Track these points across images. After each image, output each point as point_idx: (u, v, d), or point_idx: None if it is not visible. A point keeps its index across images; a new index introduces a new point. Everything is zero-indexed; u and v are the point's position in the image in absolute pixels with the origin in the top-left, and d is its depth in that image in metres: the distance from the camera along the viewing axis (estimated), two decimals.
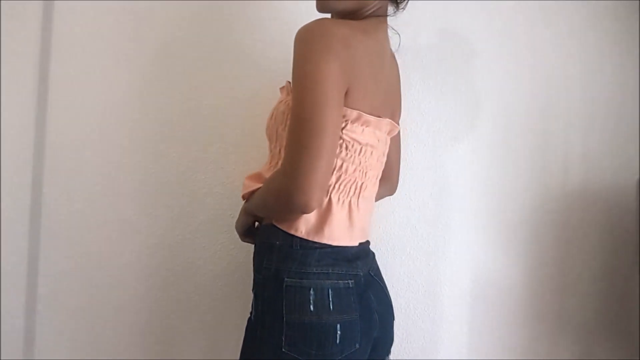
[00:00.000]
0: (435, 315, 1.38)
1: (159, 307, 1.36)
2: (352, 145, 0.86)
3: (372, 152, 0.91)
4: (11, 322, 1.35)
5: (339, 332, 0.81)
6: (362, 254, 0.94)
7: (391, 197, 1.34)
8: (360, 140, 0.86)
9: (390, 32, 1.04)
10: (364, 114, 0.85)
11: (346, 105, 0.82)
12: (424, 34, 1.39)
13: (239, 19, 1.37)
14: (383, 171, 1.05)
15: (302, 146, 0.74)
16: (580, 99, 1.43)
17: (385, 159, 1.00)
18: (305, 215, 0.84)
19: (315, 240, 0.85)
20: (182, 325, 1.36)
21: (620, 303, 1.42)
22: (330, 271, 0.84)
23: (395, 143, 1.12)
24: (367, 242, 1.00)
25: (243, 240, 1.06)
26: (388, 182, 1.14)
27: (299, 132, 0.75)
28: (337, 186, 0.86)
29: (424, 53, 1.39)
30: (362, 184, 0.91)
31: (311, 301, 0.81)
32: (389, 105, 0.97)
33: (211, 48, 1.36)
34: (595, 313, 1.42)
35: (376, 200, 1.15)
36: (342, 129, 0.83)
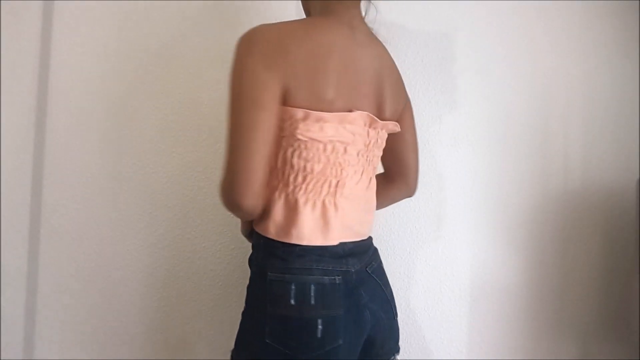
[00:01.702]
0: (435, 315, 1.38)
1: (159, 307, 1.36)
2: (312, 144, 0.86)
3: (345, 149, 0.88)
4: (11, 322, 1.35)
5: (320, 326, 0.82)
6: (358, 251, 0.94)
7: None
8: (320, 138, 0.85)
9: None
10: (313, 111, 0.83)
11: (291, 105, 0.83)
12: (424, 34, 1.39)
13: (240, 19, 1.37)
14: (394, 171, 1.07)
15: (231, 150, 0.79)
16: (580, 99, 1.43)
17: (375, 153, 0.98)
18: (273, 217, 0.87)
19: (284, 241, 0.86)
20: (182, 325, 1.36)
21: (620, 303, 1.42)
22: (314, 267, 0.86)
23: (402, 140, 1.07)
24: (368, 239, 0.99)
25: (250, 242, 1.07)
26: (402, 182, 1.11)
27: (229, 135, 0.80)
28: (303, 187, 0.87)
29: (424, 53, 1.39)
30: (338, 182, 0.89)
31: (292, 295, 0.83)
32: (365, 97, 0.92)
33: (211, 48, 1.36)
34: (595, 313, 1.42)
35: (392, 202, 1.14)
36: (295, 129, 0.84)
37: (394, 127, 1.00)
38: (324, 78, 0.85)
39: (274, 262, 0.86)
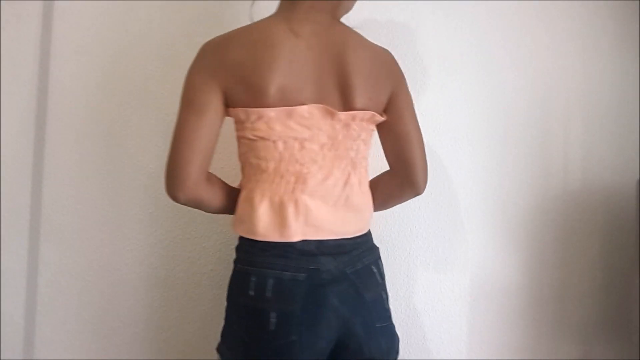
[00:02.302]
0: (435, 315, 1.38)
1: (159, 307, 1.36)
2: (263, 143, 0.88)
3: (302, 144, 0.88)
4: (11, 322, 1.35)
5: (273, 319, 0.85)
6: (337, 251, 0.91)
7: None
8: (267, 135, 0.87)
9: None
10: (252, 109, 0.86)
11: (233, 106, 0.88)
12: (424, 34, 1.39)
13: (241, 19, 1.37)
14: (396, 167, 1.01)
15: (170, 148, 0.89)
16: (580, 99, 1.43)
17: (351, 147, 0.93)
18: (237, 213, 0.93)
19: (241, 234, 0.92)
20: (182, 325, 1.36)
21: (620, 303, 1.42)
22: (276, 262, 0.88)
23: (396, 132, 0.99)
24: (356, 239, 0.95)
25: None
26: (405, 179, 1.01)
27: (172, 136, 0.90)
28: (260, 184, 0.90)
29: (424, 53, 1.39)
30: (297, 179, 0.89)
31: (251, 286, 0.88)
32: (323, 89, 0.89)
33: None
34: (595, 313, 1.42)
35: (398, 200, 1.07)
36: (244, 129, 0.89)
37: (372, 117, 0.94)
38: (262, 75, 0.86)
39: (242, 255, 0.92)
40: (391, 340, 0.98)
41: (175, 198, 0.89)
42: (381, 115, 0.96)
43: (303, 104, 0.87)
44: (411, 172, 1.01)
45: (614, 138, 1.43)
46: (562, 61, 1.42)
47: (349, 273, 0.92)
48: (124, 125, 1.36)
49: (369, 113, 0.93)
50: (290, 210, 0.88)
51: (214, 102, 0.88)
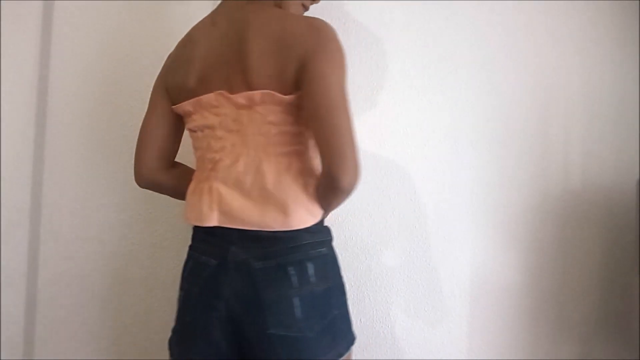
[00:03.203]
0: (435, 315, 1.38)
1: (159, 307, 1.36)
2: (193, 134, 0.97)
3: (214, 132, 0.91)
4: (11, 322, 1.35)
5: (180, 297, 0.96)
6: (255, 244, 0.86)
7: (391, 197, 1.33)
8: (192, 127, 0.96)
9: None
10: (177, 105, 0.96)
11: (174, 104, 0.98)
12: (424, 34, 1.39)
13: None
14: (320, 156, 0.83)
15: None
16: (580, 99, 1.43)
17: (258, 131, 0.86)
18: None
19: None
20: None
21: (620, 303, 1.42)
22: (198, 245, 0.95)
23: (308, 112, 0.84)
24: (278, 233, 0.85)
25: None
26: (324, 169, 0.82)
27: None
28: (195, 172, 0.99)
29: (424, 53, 1.39)
30: (213, 166, 0.91)
31: (183, 266, 0.97)
32: (226, 74, 0.87)
33: None
34: (595, 313, 1.42)
35: (324, 197, 0.87)
36: (185, 124, 0.99)
37: (273, 97, 0.83)
38: (185, 70, 0.93)
39: None
40: (301, 352, 0.84)
41: (137, 183, 1.01)
42: (288, 93, 0.84)
43: (205, 94, 0.91)
44: (327, 159, 0.80)
45: (614, 138, 1.43)
46: (562, 61, 1.42)
47: (256, 268, 0.84)
48: (124, 125, 1.36)
49: (266, 92, 0.83)
50: (205, 196, 0.91)
51: (162, 101, 1.00)
